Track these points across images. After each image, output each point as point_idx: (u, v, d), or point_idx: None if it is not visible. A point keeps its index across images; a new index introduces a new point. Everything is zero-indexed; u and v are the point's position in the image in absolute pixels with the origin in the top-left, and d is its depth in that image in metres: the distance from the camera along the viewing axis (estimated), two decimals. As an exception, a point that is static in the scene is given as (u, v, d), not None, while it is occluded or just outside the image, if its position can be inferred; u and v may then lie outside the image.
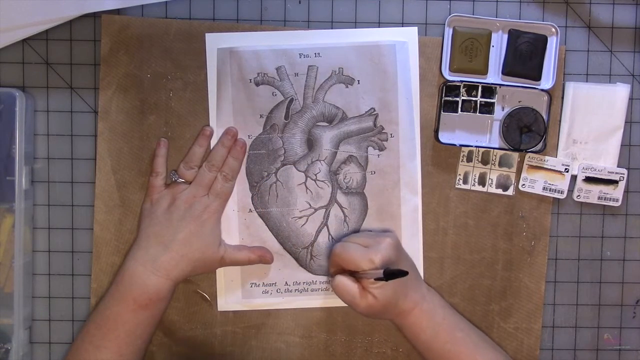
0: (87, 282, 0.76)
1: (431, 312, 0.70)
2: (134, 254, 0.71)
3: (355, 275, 0.69)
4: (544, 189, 0.76)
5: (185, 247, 0.70)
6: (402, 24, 0.76)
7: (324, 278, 0.76)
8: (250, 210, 0.75)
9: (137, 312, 0.69)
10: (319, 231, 0.75)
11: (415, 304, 0.70)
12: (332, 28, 0.75)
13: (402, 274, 0.65)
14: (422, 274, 0.76)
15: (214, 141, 0.75)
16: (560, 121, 0.76)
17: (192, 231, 0.70)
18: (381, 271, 0.65)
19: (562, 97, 0.76)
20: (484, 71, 0.75)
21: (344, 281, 0.69)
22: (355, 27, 0.75)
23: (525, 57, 0.74)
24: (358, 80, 0.75)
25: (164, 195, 0.72)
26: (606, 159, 0.76)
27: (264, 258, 0.74)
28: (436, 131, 0.75)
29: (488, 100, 0.75)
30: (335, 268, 0.71)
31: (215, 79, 0.75)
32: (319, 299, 0.76)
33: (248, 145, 0.75)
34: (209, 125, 0.75)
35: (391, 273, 0.65)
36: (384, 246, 0.69)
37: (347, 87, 0.75)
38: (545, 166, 0.75)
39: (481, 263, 0.76)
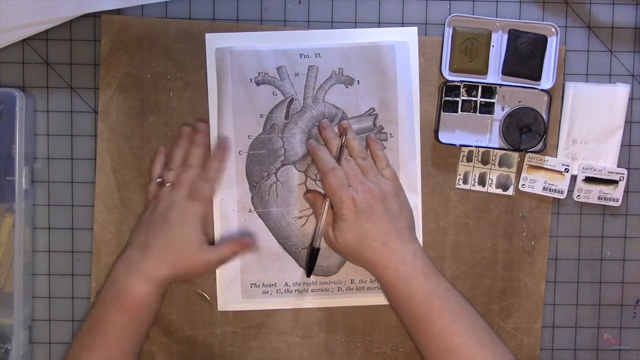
0: (87, 282, 0.76)
1: (408, 275, 0.68)
2: (120, 257, 0.71)
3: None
4: (544, 189, 0.76)
5: (161, 252, 0.69)
6: (402, 24, 0.76)
7: (324, 278, 0.76)
8: (250, 211, 0.75)
9: (120, 314, 0.68)
10: (313, 234, 0.75)
11: (389, 263, 0.68)
12: (332, 28, 0.75)
13: (308, 270, 0.72)
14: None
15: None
16: (560, 121, 0.76)
17: (168, 236, 0.69)
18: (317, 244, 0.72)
19: (562, 97, 0.76)
20: (484, 71, 0.75)
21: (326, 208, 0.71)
22: (355, 27, 0.76)
23: (525, 57, 0.74)
24: (358, 81, 0.75)
25: (152, 200, 0.72)
26: (606, 159, 0.76)
27: (244, 245, 0.72)
28: (436, 131, 0.75)
29: (488, 100, 0.75)
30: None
31: (215, 79, 0.75)
32: (319, 299, 0.76)
33: (248, 145, 0.75)
34: (187, 124, 0.74)
35: (312, 258, 0.71)
36: (366, 189, 0.69)
37: (347, 87, 0.75)
38: (545, 166, 0.75)
39: (481, 263, 0.76)
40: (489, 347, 0.66)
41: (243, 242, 0.73)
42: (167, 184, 0.72)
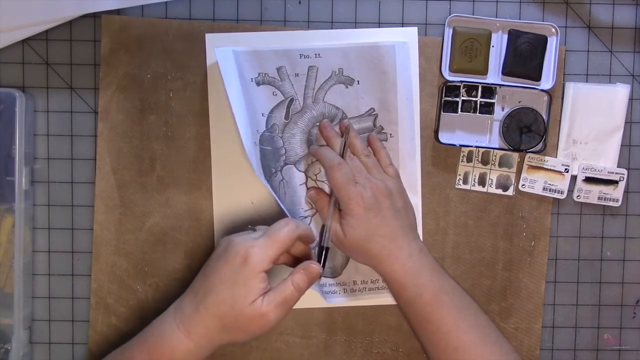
0: (87, 282, 0.76)
1: (416, 271, 0.68)
2: (173, 304, 0.64)
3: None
4: (544, 189, 0.76)
5: (212, 299, 0.60)
6: (402, 24, 0.76)
7: (331, 280, 0.76)
8: None
9: None
10: (320, 232, 0.75)
11: (397, 260, 0.68)
12: (332, 28, 0.75)
13: (321, 254, 0.69)
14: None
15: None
16: (560, 121, 0.76)
17: (222, 278, 0.61)
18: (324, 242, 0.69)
19: (562, 97, 0.76)
20: (484, 71, 0.75)
21: (332, 203, 0.70)
22: (355, 28, 0.76)
23: (525, 57, 0.74)
24: (358, 81, 0.75)
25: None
26: (606, 159, 0.76)
27: (311, 274, 0.64)
28: (436, 131, 0.75)
29: (488, 100, 0.75)
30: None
31: (215, 79, 0.75)
32: (319, 299, 0.76)
33: (257, 138, 0.73)
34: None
35: (321, 254, 0.69)
36: (372, 186, 0.69)
37: (347, 87, 0.75)
38: (545, 166, 0.75)
39: (481, 263, 0.76)
40: (495, 344, 0.67)
41: (308, 269, 0.64)
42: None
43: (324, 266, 0.70)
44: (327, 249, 0.70)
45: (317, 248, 0.72)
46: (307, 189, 0.74)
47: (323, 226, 0.72)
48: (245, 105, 0.73)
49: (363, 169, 0.70)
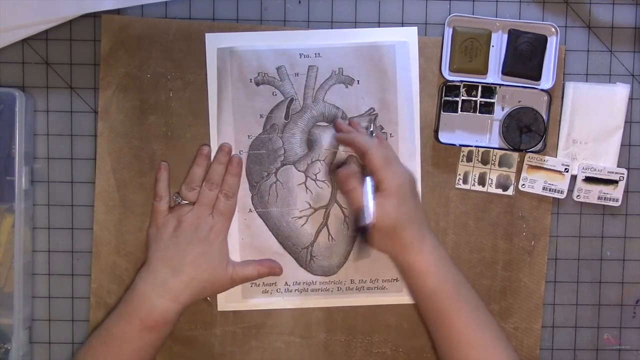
0: (87, 282, 0.76)
1: (440, 261, 0.68)
2: (143, 277, 0.70)
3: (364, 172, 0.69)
4: (543, 189, 0.76)
5: (194, 270, 0.70)
6: (402, 24, 0.76)
7: (324, 278, 0.76)
8: (250, 210, 0.75)
9: (142, 333, 0.68)
10: (318, 231, 0.75)
11: (424, 248, 0.67)
12: (332, 28, 0.75)
13: (363, 234, 0.66)
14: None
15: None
16: (560, 121, 0.76)
17: (199, 253, 0.70)
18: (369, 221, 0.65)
19: (562, 97, 0.76)
20: (484, 71, 0.75)
21: (356, 184, 0.68)
22: (355, 27, 0.76)
23: (525, 57, 0.74)
24: (358, 81, 0.75)
25: (169, 218, 0.72)
26: (606, 159, 0.76)
27: (273, 270, 0.74)
28: (436, 131, 0.75)
29: (488, 100, 0.75)
30: (350, 145, 0.71)
31: (215, 79, 0.75)
32: (318, 299, 0.76)
33: (248, 145, 0.75)
34: (206, 144, 0.74)
35: (363, 234, 0.66)
36: (404, 175, 0.69)
37: (347, 87, 0.75)
38: (545, 166, 0.75)
39: (481, 263, 0.76)
40: (504, 348, 0.67)
41: (272, 269, 0.74)
42: (184, 202, 0.72)
43: (369, 244, 0.67)
44: (367, 227, 0.67)
45: (355, 231, 0.70)
46: (331, 167, 0.74)
47: (319, 228, 0.73)
48: (237, 110, 0.73)
49: (393, 154, 0.71)
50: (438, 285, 0.67)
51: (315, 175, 0.75)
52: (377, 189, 0.67)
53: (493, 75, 0.75)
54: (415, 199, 0.70)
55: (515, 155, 0.76)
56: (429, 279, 0.67)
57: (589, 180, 0.76)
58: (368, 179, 0.68)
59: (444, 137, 0.75)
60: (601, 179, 0.76)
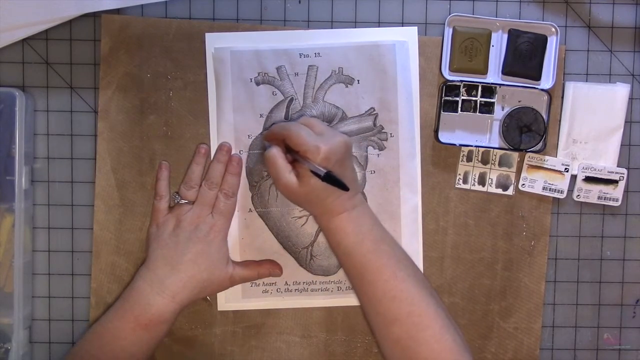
0: (87, 282, 0.76)
1: (359, 219, 0.69)
2: (142, 274, 0.70)
3: (292, 154, 0.68)
4: (543, 188, 0.76)
5: (193, 268, 0.70)
6: (402, 24, 0.76)
7: (324, 278, 0.76)
8: (250, 210, 0.75)
9: (136, 330, 0.68)
10: (319, 231, 0.75)
11: (344, 209, 0.68)
12: (332, 28, 0.75)
13: (342, 187, 0.65)
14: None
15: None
16: (560, 121, 0.76)
17: (199, 251, 0.70)
18: (323, 170, 0.65)
19: (562, 97, 0.76)
20: (484, 71, 0.75)
21: (277, 154, 0.68)
22: (355, 27, 0.76)
23: (525, 57, 0.74)
24: (358, 80, 0.75)
25: (169, 218, 0.72)
26: (606, 158, 0.76)
27: (273, 271, 0.75)
28: (436, 131, 0.75)
29: (488, 100, 0.75)
30: (275, 140, 0.70)
31: (215, 79, 0.75)
32: (318, 299, 0.76)
33: (248, 145, 0.75)
34: (204, 143, 0.74)
35: (332, 179, 0.65)
36: (337, 141, 0.68)
37: (347, 86, 0.75)
38: (545, 166, 0.75)
39: (481, 263, 0.76)
40: (430, 296, 0.68)
41: (273, 271, 0.75)
42: (184, 201, 0.72)
43: (345, 184, 0.67)
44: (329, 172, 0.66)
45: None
46: (280, 123, 0.72)
47: (319, 228, 0.73)
48: (237, 109, 0.73)
49: (316, 126, 0.70)
50: (357, 241, 0.68)
51: (315, 175, 0.75)
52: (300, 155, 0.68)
53: (493, 75, 0.75)
54: (348, 162, 0.69)
55: (515, 155, 0.76)
56: (347, 236, 0.68)
57: (589, 180, 0.76)
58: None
59: (444, 136, 0.75)
60: (601, 178, 0.76)
